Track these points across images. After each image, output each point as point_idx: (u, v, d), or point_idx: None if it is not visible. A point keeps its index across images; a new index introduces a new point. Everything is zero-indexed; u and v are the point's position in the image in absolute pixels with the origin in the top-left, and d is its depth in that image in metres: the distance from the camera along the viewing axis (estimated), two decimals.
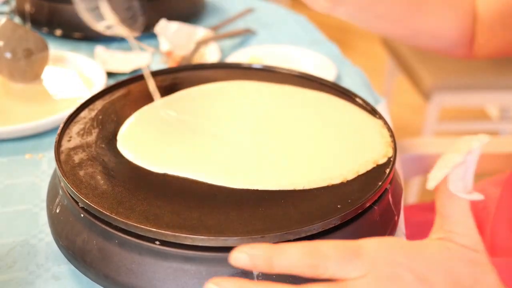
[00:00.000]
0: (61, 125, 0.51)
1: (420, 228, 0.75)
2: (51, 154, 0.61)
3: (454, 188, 0.37)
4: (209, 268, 0.39)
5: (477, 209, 0.70)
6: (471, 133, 0.37)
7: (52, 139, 0.63)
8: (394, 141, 0.50)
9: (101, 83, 0.69)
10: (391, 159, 0.48)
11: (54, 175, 0.49)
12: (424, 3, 0.66)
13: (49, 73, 0.74)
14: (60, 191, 0.46)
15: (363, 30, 0.78)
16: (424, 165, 0.87)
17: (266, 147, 0.50)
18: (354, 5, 0.63)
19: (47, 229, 0.50)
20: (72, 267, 0.46)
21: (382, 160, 0.48)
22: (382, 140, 0.51)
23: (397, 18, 0.66)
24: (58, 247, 0.45)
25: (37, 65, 0.66)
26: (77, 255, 0.42)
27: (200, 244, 0.38)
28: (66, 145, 0.49)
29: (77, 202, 0.43)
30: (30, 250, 0.48)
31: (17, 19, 0.91)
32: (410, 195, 1.41)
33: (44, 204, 0.54)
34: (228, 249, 0.35)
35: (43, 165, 0.60)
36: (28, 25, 0.87)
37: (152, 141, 0.51)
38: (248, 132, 0.52)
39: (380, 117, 0.54)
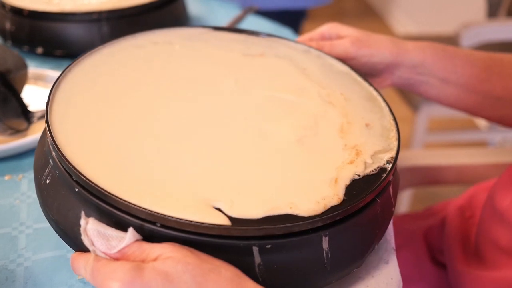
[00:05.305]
0: (49, 92, 0.48)
1: (411, 234, 0.74)
2: (31, 175, 0.59)
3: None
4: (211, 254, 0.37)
5: (464, 218, 0.69)
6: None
7: (32, 160, 0.62)
8: (397, 130, 0.49)
9: None
10: (393, 153, 0.46)
11: (43, 142, 0.46)
12: None
13: (29, 92, 0.73)
14: (51, 161, 0.42)
15: None
16: (414, 177, 0.87)
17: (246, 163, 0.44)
18: None
19: (27, 254, 0.49)
20: None
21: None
22: None
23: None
24: (48, 220, 0.42)
25: (15, 84, 0.64)
26: (69, 231, 0.40)
27: (203, 231, 0.37)
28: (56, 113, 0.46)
29: (71, 176, 0.40)
30: (8, 276, 0.46)
31: None
32: (401, 206, 1.40)
33: (23, 227, 0.52)
34: (231, 237, 0.37)
35: (22, 186, 0.58)
36: (9, 43, 0.85)
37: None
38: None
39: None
